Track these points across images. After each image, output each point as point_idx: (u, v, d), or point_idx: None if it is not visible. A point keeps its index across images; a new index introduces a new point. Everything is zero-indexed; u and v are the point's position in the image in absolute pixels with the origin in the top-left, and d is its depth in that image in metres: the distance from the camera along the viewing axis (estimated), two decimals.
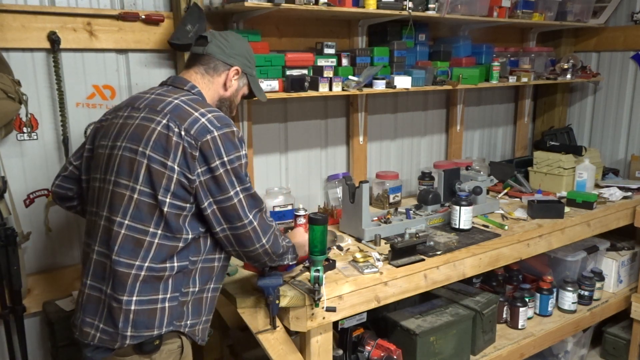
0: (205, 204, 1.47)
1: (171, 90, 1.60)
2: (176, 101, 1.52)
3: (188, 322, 1.55)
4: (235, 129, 1.52)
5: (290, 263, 1.74)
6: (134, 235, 1.46)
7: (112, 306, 1.45)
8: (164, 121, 1.47)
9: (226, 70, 1.68)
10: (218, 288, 1.66)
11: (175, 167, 1.44)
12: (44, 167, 2.18)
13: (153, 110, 1.52)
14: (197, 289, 1.56)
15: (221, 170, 1.46)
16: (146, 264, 1.45)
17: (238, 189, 1.49)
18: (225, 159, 1.47)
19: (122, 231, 1.46)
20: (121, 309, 1.44)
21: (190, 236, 1.49)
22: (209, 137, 1.45)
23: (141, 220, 1.46)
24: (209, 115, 1.50)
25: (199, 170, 1.45)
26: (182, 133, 1.45)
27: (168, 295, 1.49)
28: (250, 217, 1.51)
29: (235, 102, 1.77)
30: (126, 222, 1.46)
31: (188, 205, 1.48)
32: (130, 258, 1.45)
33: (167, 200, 1.45)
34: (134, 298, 1.44)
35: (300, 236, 1.82)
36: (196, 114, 1.49)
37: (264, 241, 1.55)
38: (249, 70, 1.74)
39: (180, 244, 1.48)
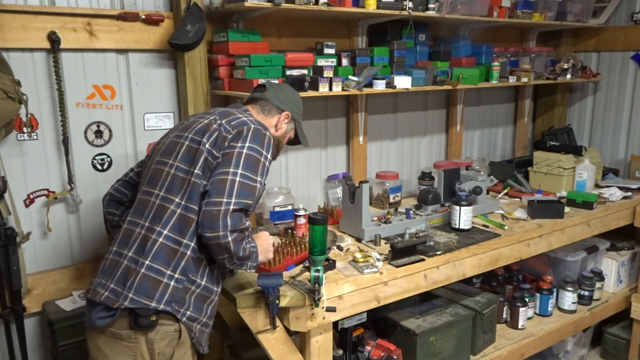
0: (208, 180, 1.57)
1: (233, 108, 1.81)
2: (229, 109, 1.77)
3: (187, 312, 1.58)
4: (269, 134, 1.68)
5: (249, 270, 1.66)
6: (163, 204, 1.60)
7: (129, 267, 1.55)
8: (212, 117, 1.68)
9: (279, 114, 1.87)
10: (217, 297, 1.71)
11: (207, 145, 1.60)
12: (44, 167, 2.18)
13: (205, 113, 1.76)
14: (203, 283, 1.62)
15: (236, 150, 1.58)
16: (165, 232, 1.56)
17: (239, 170, 1.55)
18: (247, 144, 1.60)
19: (154, 200, 1.62)
20: (135, 269, 1.54)
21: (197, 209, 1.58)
22: (245, 127, 1.63)
23: (172, 191, 1.60)
24: (252, 118, 1.72)
25: (224, 150, 1.59)
26: (223, 122, 1.65)
27: (176, 275, 1.56)
28: (232, 200, 1.52)
29: (283, 143, 1.94)
30: (161, 193, 1.62)
31: (205, 181, 1.58)
32: (156, 224, 1.58)
33: (196, 171, 1.58)
34: (147, 262, 1.54)
35: (265, 239, 1.76)
36: (242, 116, 1.70)
37: (228, 233, 1.51)
38: (297, 117, 1.94)
39: (196, 217, 1.56)
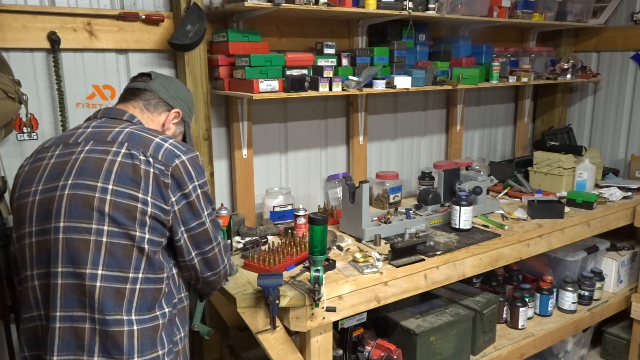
0: (179, 234, 1.36)
1: (109, 122, 1.42)
2: (127, 129, 1.37)
3: (165, 349, 1.36)
4: (198, 153, 1.43)
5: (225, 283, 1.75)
6: (113, 286, 1.25)
7: None
8: (123, 150, 1.31)
9: (167, 111, 1.54)
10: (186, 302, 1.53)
11: (149, 199, 1.28)
12: None
13: (101, 141, 1.34)
14: (183, 334, 1.45)
15: (194, 196, 1.37)
16: (133, 317, 1.27)
17: (206, 213, 1.42)
18: (197, 183, 1.38)
19: (98, 284, 1.25)
20: None
21: (167, 273, 1.36)
22: (177, 161, 1.34)
23: (118, 266, 1.26)
24: (171, 141, 1.38)
25: (173, 198, 1.33)
26: (150, 160, 1.31)
27: (166, 349, 1.35)
28: (219, 238, 1.51)
29: None
30: (99, 272, 1.25)
31: (163, 240, 1.34)
32: (116, 313, 1.25)
33: (147, 236, 1.28)
34: None
35: None
36: (156, 139, 1.36)
37: (225, 261, 1.55)
38: (187, 119, 1.62)
39: (164, 286, 1.34)
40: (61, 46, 2.07)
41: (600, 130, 3.72)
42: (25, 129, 2.09)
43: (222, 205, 2.31)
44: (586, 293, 3.03)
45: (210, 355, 2.58)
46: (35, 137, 2.13)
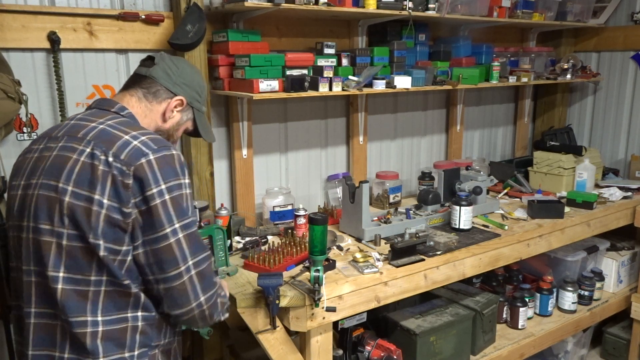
0: (138, 243, 1.22)
1: (95, 114, 1.35)
2: (101, 126, 1.28)
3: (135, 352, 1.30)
4: (176, 152, 1.27)
5: (222, 318, 1.42)
6: (75, 288, 1.22)
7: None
8: (88, 149, 1.23)
9: (168, 99, 1.44)
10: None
11: (104, 200, 1.19)
12: None
13: (73, 137, 1.27)
14: (166, 340, 1.37)
15: (158, 201, 1.20)
16: (99, 318, 1.23)
17: (177, 225, 1.22)
18: (163, 186, 1.21)
19: (59, 286, 1.22)
20: None
21: (136, 289, 1.26)
22: (143, 160, 1.21)
23: (79, 269, 1.22)
24: (143, 138, 1.25)
25: (134, 200, 1.20)
26: (110, 159, 1.20)
27: (136, 353, 1.28)
28: (190, 263, 1.24)
29: (175, 137, 1.52)
30: (60, 274, 1.22)
31: (124, 248, 1.22)
32: (80, 315, 1.22)
33: (101, 242, 1.20)
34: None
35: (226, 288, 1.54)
36: (126, 136, 1.24)
37: (202, 299, 1.27)
38: (196, 105, 1.51)
39: (132, 296, 1.26)
40: (61, 46, 2.07)
41: (600, 130, 3.72)
42: (25, 129, 2.09)
43: (222, 205, 2.32)
44: (586, 293, 3.03)
45: (210, 355, 2.58)
46: (35, 137, 2.13)
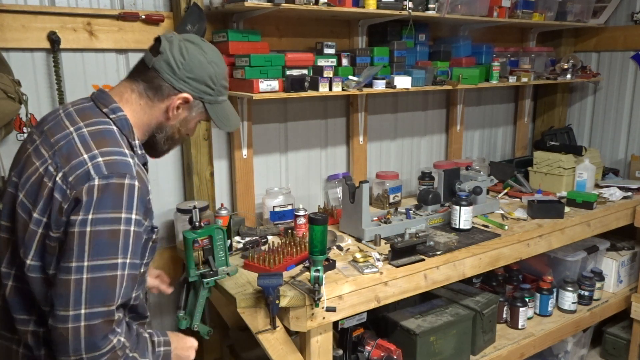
0: (51, 272, 1.14)
1: (85, 112, 1.26)
2: (74, 134, 1.19)
3: None
4: (129, 182, 1.14)
5: None
6: (19, 286, 1.22)
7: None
8: (48, 161, 1.17)
9: (172, 96, 1.31)
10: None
11: (43, 219, 1.13)
12: None
13: (47, 141, 1.21)
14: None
15: (75, 229, 1.09)
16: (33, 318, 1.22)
17: (85, 263, 1.08)
18: (90, 216, 1.09)
19: (10, 283, 1.23)
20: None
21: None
22: (86, 185, 1.11)
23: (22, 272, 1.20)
24: (99, 159, 1.14)
25: (63, 227, 1.12)
26: (58, 178, 1.13)
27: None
28: (81, 311, 1.07)
29: (183, 132, 1.40)
30: (12, 272, 1.22)
31: (50, 272, 1.15)
32: (21, 314, 1.22)
33: (27, 261, 1.15)
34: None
35: (187, 349, 1.46)
36: (85, 156, 1.15)
37: (83, 354, 1.08)
38: (208, 98, 1.36)
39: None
40: (61, 46, 2.07)
41: (600, 130, 3.72)
42: (25, 129, 2.09)
43: (222, 205, 2.32)
44: (586, 293, 3.03)
45: (210, 355, 2.58)
46: None
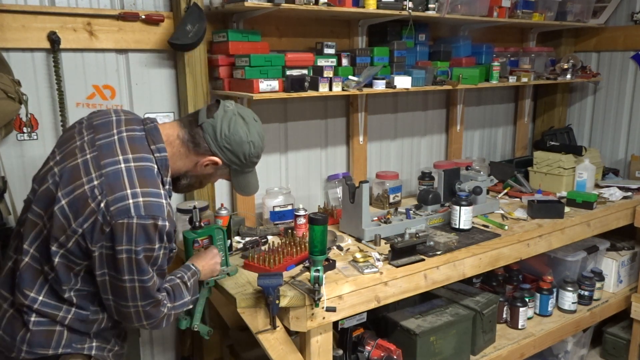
0: (99, 272, 1.39)
1: (136, 143, 1.46)
2: (122, 165, 1.40)
3: (94, 344, 1.51)
4: (160, 223, 1.38)
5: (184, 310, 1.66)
6: (35, 266, 1.43)
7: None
8: (95, 183, 1.37)
9: (206, 154, 1.54)
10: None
11: (80, 230, 1.35)
12: None
13: (97, 161, 1.41)
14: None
15: (124, 256, 1.36)
16: (40, 298, 1.43)
17: (135, 277, 1.39)
18: (133, 247, 1.35)
19: (26, 259, 1.43)
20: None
21: (72, 287, 1.43)
22: (126, 221, 1.33)
23: (43, 256, 1.43)
24: (140, 200, 1.36)
25: (103, 243, 1.36)
26: (102, 204, 1.34)
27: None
28: (139, 303, 1.43)
29: (204, 182, 1.65)
30: (31, 251, 1.43)
31: (84, 263, 1.41)
32: (27, 288, 1.43)
33: (60, 252, 1.38)
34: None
35: (211, 260, 1.75)
36: (129, 191, 1.36)
37: (144, 323, 1.47)
38: (235, 168, 1.60)
39: (66, 294, 1.43)
40: (61, 46, 2.07)
41: (600, 130, 3.72)
42: (25, 129, 2.09)
43: (222, 205, 2.32)
44: (586, 293, 3.03)
45: (210, 355, 2.58)
46: (35, 137, 2.13)
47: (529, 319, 2.86)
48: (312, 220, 1.72)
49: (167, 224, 1.40)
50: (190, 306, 1.66)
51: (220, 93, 2.41)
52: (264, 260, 2.00)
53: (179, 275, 1.61)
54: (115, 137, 1.46)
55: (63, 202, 1.37)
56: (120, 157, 1.41)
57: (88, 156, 1.42)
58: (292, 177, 2.82)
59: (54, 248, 1.38)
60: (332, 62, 2.50)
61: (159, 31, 2.27)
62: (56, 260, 1.39)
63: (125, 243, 1.34)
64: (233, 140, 1.53)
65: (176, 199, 2.49)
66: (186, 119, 1.57)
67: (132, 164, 1.41)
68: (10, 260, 1.50)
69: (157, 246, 1.39)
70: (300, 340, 1.97)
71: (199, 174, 1.59)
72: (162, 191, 1.42)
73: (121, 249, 1.35)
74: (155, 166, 1.46)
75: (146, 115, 2.36)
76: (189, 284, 1.61)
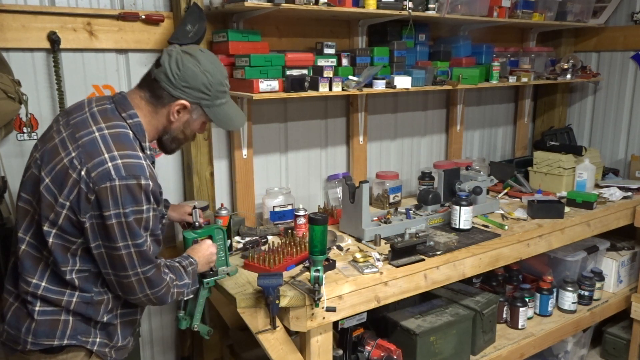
0: (94, 245, 1.41)
1: (107, 114, 1.47)
2: (97, 134, 1.42)
3: (97, 340, 1.52)
4: (144, 182, 1.39)
5: (185, 297, 1.68)
6: (33, 253, 1.45)
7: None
8: (74, 154, 1.39)
9: (171, 103, 1.51)
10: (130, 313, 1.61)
11: (67, 203, 1.37)
12: None
13: (73, 136, 1.43)
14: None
15: (114, 221, 1.37)
16: (43, 284, 1.45)
17: (129, 242, 1.40)
18: (121, 210, 1.36)
19: (22, 247, 1.45)
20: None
21: (74, 268, 1.44)
22: (108, 184, 1.35)
23: (38, 242, 1.45)
24: (119, 162, 1.37)
25: (91, 213, 1.37)
26: (83, 172, 1.36)
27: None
28: (139, 270, 1.43)
29: (188, 133, 1.61)
30: (26, 239, 1.45)
31: (79, 240, 1.42)
32: (29, 275, 1.45)
33: (53, 231, 1.40)
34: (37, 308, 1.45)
35: (206, 250, 1.73)
36: (106, 155, 1.37)
37: (148, 292, 1.48)
38: (205, 102, 1.54)
39: (67, 276, 1.44)
40: (61, 46, 2.07)
41: (600, 130, 3.72)
42: (25, 129, 2.09)
43: (222, 205, 2.31)
44: (586, 293, 3.03)
45: (210, 355, 2.58)
46: (35, 137, 2.13)
47: (529, 319, 2.85)
48: (312, 220, 1.72)
49: (150, 182, 1.41)
50: (191, 295, 1.69)
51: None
52: (264, 260, 2.00)
53: (177, 260, 1.63)
54: (87, 113, 1.48)
55: (47, 180, 1.40)
56: (94, 127, 1.43)
57: (64, 134, 1.45)
58: (292, 177, 2.82)
59: (46, 228, 1.40)
60: (332, 62, 2.50)
61: (159, 31, 2.27)
62: (50, 240, 1.40)
63: (112, 207, 1.36)
64: (187, 76, 1.49)
65: (176, 198, 2.49)
66: (141, 80, 1.55)
67: (106, 131, 1.43)
68: (14, 256, 1.52)
69: (145, 207, 1.40)
70: (300, 340, 1.97)
71: (176, 125, 1.56)
72: (140, 154, 1.44)
73: (109, 214, 1.36)
74: (131, 132, 1.47)
75: None
76: (188, 269, 1.61)
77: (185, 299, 1.78)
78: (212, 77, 1.53)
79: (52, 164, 1.41)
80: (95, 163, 1.36)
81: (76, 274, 1.45)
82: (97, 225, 1.38)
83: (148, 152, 1.52)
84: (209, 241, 1.77)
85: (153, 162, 1.57)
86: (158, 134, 1.58)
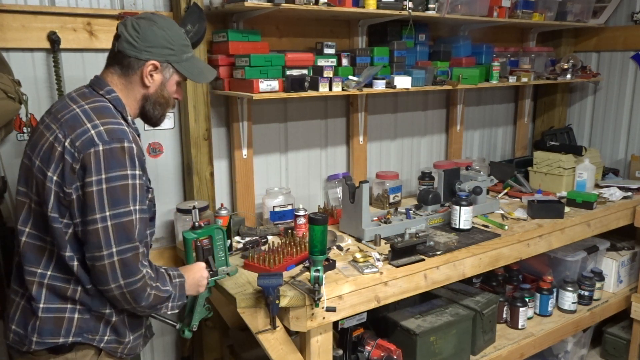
0: (76, 221, 1.38)
1: (85, 95, 1.49)
2: (77, 110, 1.42)
3: (105, 337, 1.49)
4: (128, 145, 1.38)
5: (169, 312, 1.53)
6: (35, 243, 1.44)
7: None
8: (58, 131, 1.39)
9: (141, 67, 1.51)
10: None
11: (54, 177, 1.36)
12: None
13: (55, 118, 1.44)
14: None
15: (94, 188, 1.33)
16: (49, 273, 1.43)
17: (107, 213, 1.34)
18: (103, 176, 1.33)
19: (23, 239, 1.44)
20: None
21: (73, 255, 1.40)
22: (92, 150, 1.34)
23: (37, 229, 1.44)
24: (101, 128, 1.37)
25: (76, 184, 1.35)
26: (67, 143, 1.36)
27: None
28: (113, 249, 1.34)
29: (167, 95, 1.59)
30: (26, 230, 1.44)
31: (64, 221, 1.39)
32: (33, 266, 1.43)
33: (50, 214, 1.38)
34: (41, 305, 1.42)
35: (197, 272, 1.66)
36: (88, 125, 1.38)
37: (121, 282, 1.36)
38: (173, 59, 1.54)
39: (69, 262, 1.40)
40: (61, 46, 2.07)
41: (600, 130, 3.72)
42: (25, 129, 2.09)
43: (222, 205, 2.32)
44: (586, 293, 3.03)
45: (210, 355, 2.58)
46: None
47: (529, 319, 2.86)
48: (312, 220, 1.72)
49: (134, 145, 1.40)
50: (176, 310, 1.56)
51: (220, 93, 2.41)
52: (264, 260, 2.00)
53: (163, 267, 1.57)
54: (66, 99, 1.50)
55: (37, 162, 1.41)
56: (75, 105, 1.45)
57: (46, 121, 1.47)
58: (292, 177, 2.82)
59: (47, 212, 1.37)
60: (332, 62, 2.50)
61: None
62: (50, 223, 1.38)
63: (94, 174, 1.34)
64: (147, 36, 1.49)
65: (176, 198, 2.49)
66: (108, 59, 1.55)
67: (87, 106, 1.44)
68: (17, 255, 1.51)
69: (129, 172, 1.37)
70: (300, 340, 1.97)
71: (153, 90, 1.55)
72: (122, 121, 1.45)
73: (90, 181, 1.33)
74: (111, 105, 1.48)
75: None
76: (174, 280, 1.54)
77: (170, 312, 1.59)
78: (171, 31, 1.54)
79: (39, 147, 1.42)
80: (78, 133, 1.37)
81: (77, 261, 1.42)
82: (78, 197, 1.36)
83: (133, 126, 1.53)
84: (202, 264, 1.70)
85: (139, 135, 1.56)
86: (139, 106, 1.57)
